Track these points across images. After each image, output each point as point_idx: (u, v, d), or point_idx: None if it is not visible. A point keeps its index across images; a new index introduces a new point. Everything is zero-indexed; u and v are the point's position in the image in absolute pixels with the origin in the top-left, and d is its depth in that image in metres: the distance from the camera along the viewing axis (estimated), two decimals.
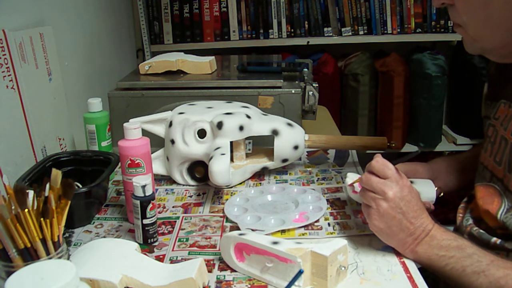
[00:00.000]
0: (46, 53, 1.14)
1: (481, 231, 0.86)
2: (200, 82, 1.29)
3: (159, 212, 0.97)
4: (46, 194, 0.66)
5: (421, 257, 0.76)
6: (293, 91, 1.25)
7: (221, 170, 0.93)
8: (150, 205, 0.83)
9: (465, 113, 2.31)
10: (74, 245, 0.86)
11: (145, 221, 0.84)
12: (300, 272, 0.68)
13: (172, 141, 1.05)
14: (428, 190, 0.96)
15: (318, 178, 1.12)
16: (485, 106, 0.96)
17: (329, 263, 0.69)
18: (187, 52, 1.45)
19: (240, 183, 1.10)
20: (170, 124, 1.06)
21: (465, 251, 0.73)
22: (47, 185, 0.66)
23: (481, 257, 0.71)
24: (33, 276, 0.53)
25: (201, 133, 1.04)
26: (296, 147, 1.08)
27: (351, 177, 0.91)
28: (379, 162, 0.78)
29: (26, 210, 0.62)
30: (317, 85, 1.26)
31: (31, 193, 0.65)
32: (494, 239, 0.82)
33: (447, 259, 0.73)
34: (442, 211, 1.81)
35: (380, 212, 0.76)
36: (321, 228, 0.89)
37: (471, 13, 0.77)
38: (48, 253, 0.64)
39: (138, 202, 0.83)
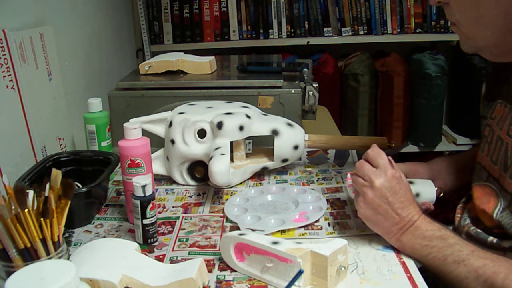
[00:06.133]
0: (46, 53, 1.14)
1: (478, 230, 0.86)
2: (200, 82, 1.29)
3: (159, 212, 0.97)
4: (46, 194, 0.66)
5: (405, 246, 0.78)
6: (293, 91, 1.25)
7: (221, 170, 0.93)
8: (150, 205, 0.83)
9: (465, 113, 2.31)
10: (74, 245, 0.86)
11: (145, 221, 0.84)
12: (300, 272, 0.69)
13: (172, 141, 1.05)
14: (428, 190, 0.96)
15: (318, 178, 1.12)
16: (482, 106, 0.96)
17: (329, 263, 0.69)
18: (187, 52, 1.45)
19: (240, 183, 1.10)
20: (170, 124, 1.06)
21: (447, 241, 0.74)
22: (47, 185, 0.66)
23: (462, 247, 0.73)
24: (33, 276, 0.53)
25: (201, 133, 1.04)
26: (296, 147, 1.08)
27: None
28: (374, 151, 0.82)
29: (26, 210, 0.62)
30: (317, 85, 1.26)
31: (31, 193, 0.65)
32: (490, 238, 0.83)
33: (429, 248, 0.75)
34: (442, 211, 1.81)
35: (366, 200, 0.78)
36: (321, 228, 0.89)
37: (463, 11, 0.79)
38: (48, 253, 0.64)
39: (138, 202, 0.83)
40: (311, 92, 1.25)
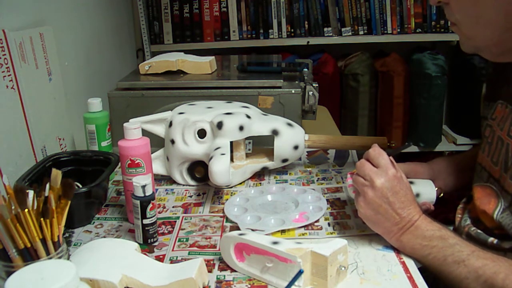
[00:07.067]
0: (46, 53, 1.14)
1: (478, 231, 0.86)
2: (200, 82, 1.29)
3: (159, 212, 0.97)
4: (46, 194, 0.66)
5: (405, 246, 0.78)
6: (293, 91, 1.25)
7: (221, 170, 0.93)
8: (150, 205, 0.83)
9: (465, 113, 2.31)
10: (74, 245, 0.86)
11: (145, 221, 0.84)
12: (300, 272, 0.68)
13: (172, 141, 1.05)
14: (428, 191, 0.96)
15: (318, 178, 1.12)
16: (483, 106, 0.96)
17: (329, 263, 0.69)
18: (187, 52, 1.45)
19: (240, 183, 1.10)
20: (170, 124, 1.06)
21: (447, 241, 0.74)
22: (47, 185, 0.66)
23: (463, 247, 0.73)
24: (33, 276, 0.53)
25: (201, 133, 1.04)
26: (296, 147, 1.08)
27: None
28: (375, 150, 0.82)
29: (26, 210, 0.62)
30: (317, 85, 1.26)
31: (31, 193, 0.65)
32: (491, 239, 0.83)
33: (429, 248, 0.75)
34: (442, 211, 1.81)
35: (366, 199, 0.78)
36: (321, 228, 0.89)
37: (463, 11, 0.79)
38: (48, 253, 0.64)
39: (138, 202, 0.83)
40: (311, 92, 1.25)
